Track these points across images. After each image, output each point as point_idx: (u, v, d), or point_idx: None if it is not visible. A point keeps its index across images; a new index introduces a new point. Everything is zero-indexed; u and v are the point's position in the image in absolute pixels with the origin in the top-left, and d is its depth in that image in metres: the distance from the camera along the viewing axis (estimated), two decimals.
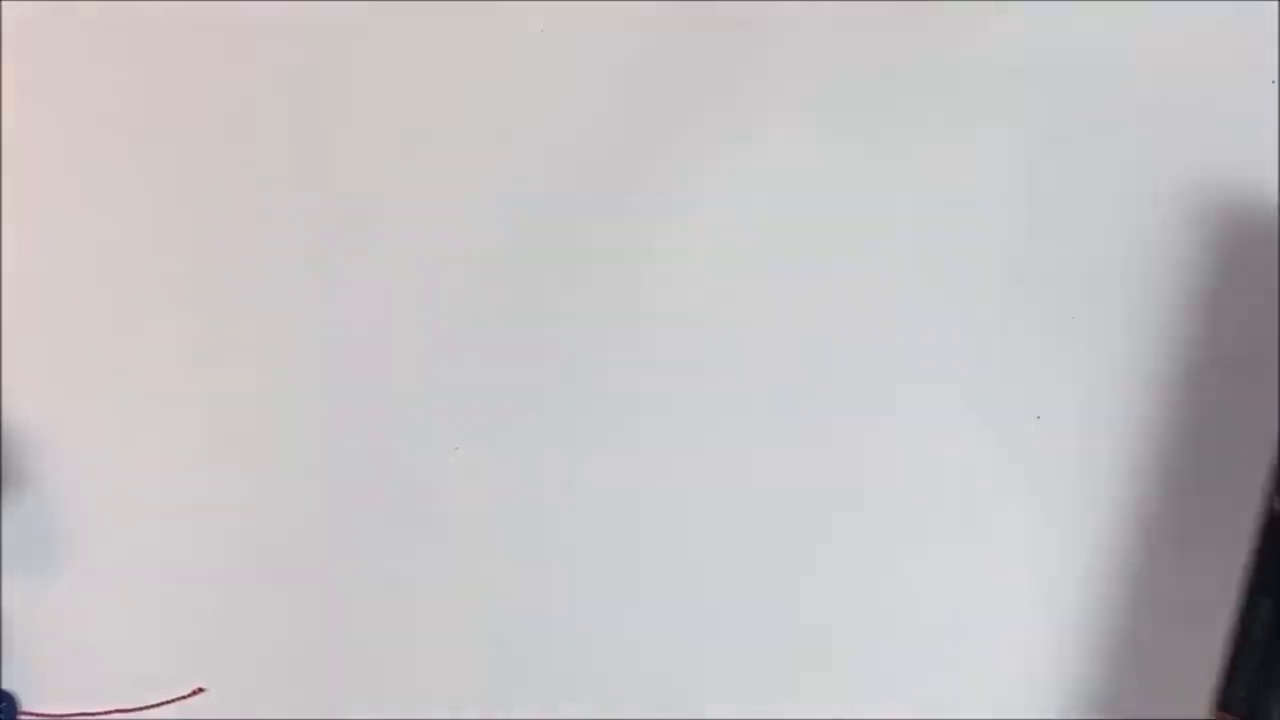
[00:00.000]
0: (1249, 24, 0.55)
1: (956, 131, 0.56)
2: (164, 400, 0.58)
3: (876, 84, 0.57)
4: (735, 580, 0.55)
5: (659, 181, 0.57)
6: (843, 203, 0.56)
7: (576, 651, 0.55)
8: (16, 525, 0.58)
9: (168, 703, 0.56)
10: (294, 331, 0.58)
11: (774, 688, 0.55)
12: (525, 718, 0.54)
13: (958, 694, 0.53)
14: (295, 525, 0.57)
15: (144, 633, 0.56)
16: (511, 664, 0.55)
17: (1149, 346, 0.54)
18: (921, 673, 0.54)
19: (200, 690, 0.55)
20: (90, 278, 0.60)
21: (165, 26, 0.61)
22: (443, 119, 0.59)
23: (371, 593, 0.56)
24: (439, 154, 0.59)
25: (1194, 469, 0.53)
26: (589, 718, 0.54)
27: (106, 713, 0.56)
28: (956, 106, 0.56)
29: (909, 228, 0.56)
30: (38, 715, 0.56)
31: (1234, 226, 0.54)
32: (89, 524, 0.58)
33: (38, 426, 0.59)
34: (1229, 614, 0.48)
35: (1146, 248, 0.55)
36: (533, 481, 0.56)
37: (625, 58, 0.58)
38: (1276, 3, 0.56)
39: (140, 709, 0.56)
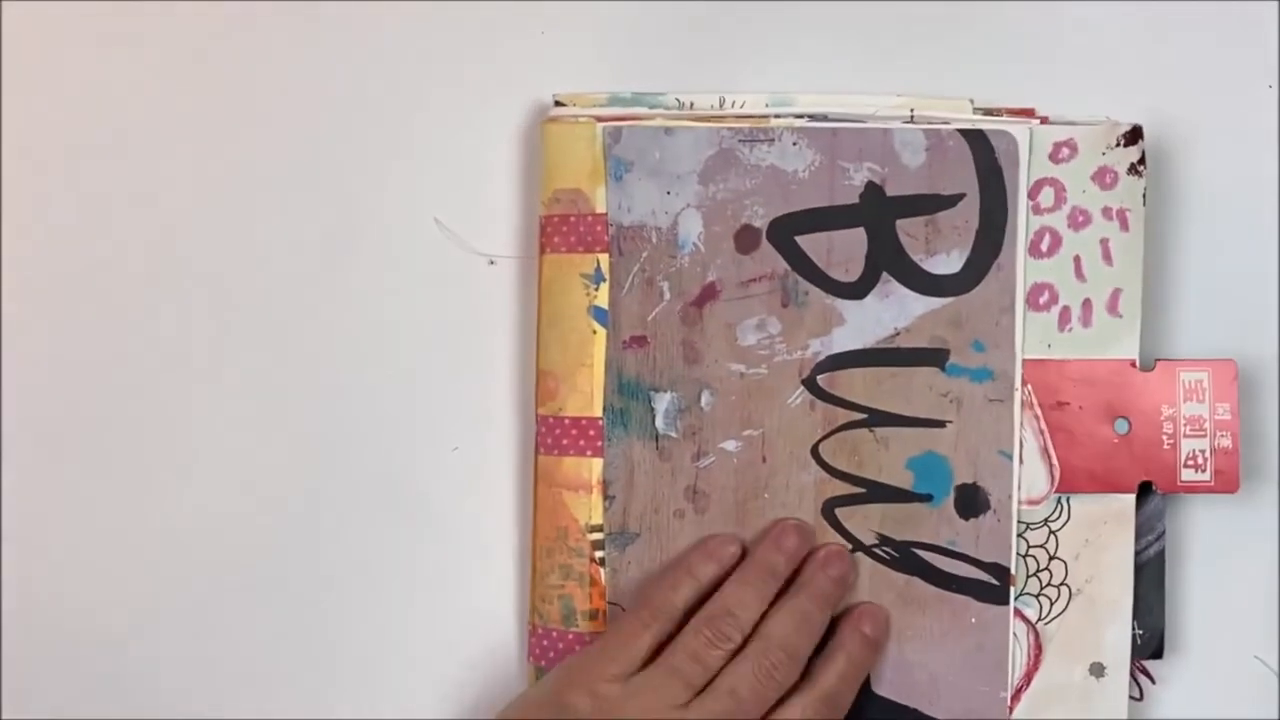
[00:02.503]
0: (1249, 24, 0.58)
1: None
2: (164, 398, 0.60)
3: None
4: None
5: None
6: None
7: None
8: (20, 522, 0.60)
9: None
10: (294, 331, 0.60)
11: None
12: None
13: None
14: (294, 524, 0.60)
15: (143, 632, 0.60)
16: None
17: None
18: None
19: None
20: (89, 277, 0.60)
21: (164, 27, 0.60)
22: (440, 118, 0.60)
23: (370, 592, 0.60)
24: (440, 153, 0.60)
25: None
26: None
27: None
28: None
29: None
30: None
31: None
32: (87, 522, 0.60)
33: (35, 426, 0.60)
34: None
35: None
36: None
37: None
38: (1276, 2, 0.58)
39: None
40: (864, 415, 0.56)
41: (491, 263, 0.59)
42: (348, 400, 0.60)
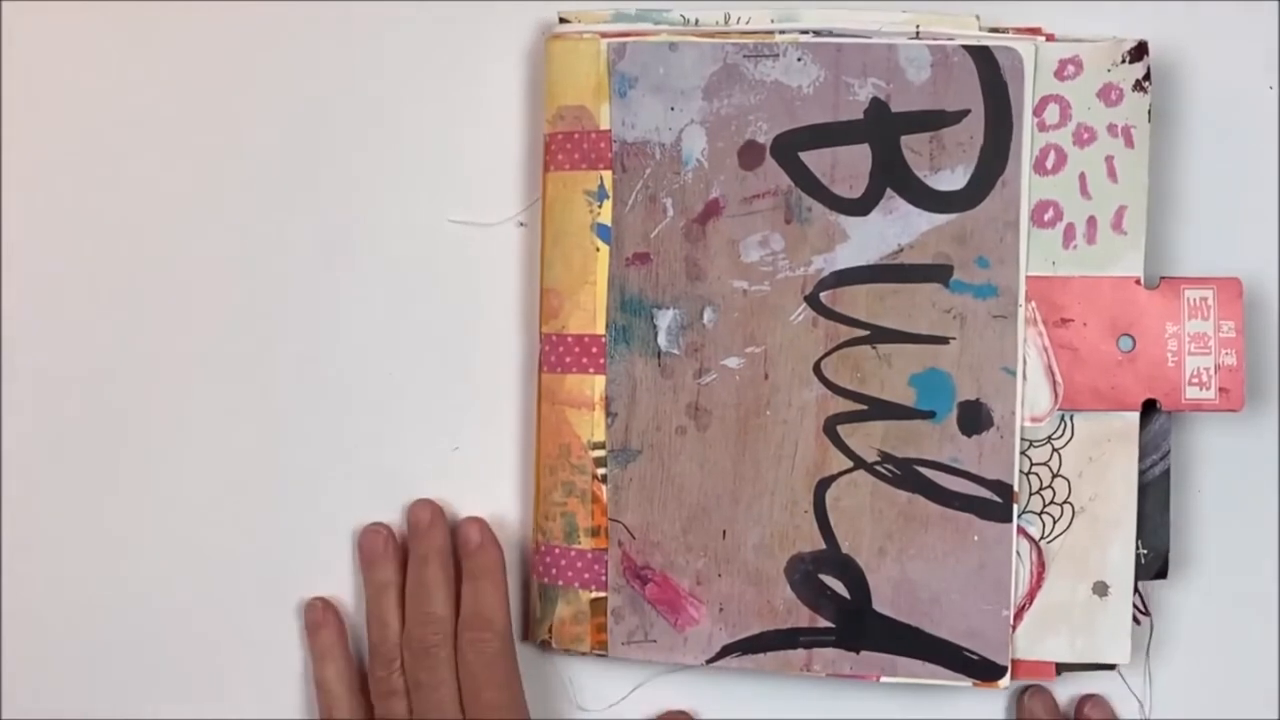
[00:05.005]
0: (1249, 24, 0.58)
1: None
2: (164, 397, 0.60)
3: None
4: None
5: None
6: None
7: None
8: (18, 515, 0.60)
9: None
10: (294, 330, 0.60)
11: None
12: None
13: None
14: (294, 523, 0.60)
15: (143, 632, 0.60)
16: None
17: None
18: None
19: None
20: (89, 277, 0.60)
21: (164, 27, 0.60)
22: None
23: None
24: (441, 152, 0.60)
25: None
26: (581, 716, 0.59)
27: None
28: None
29: None
30: None
31: None
32: (87, 522, 0.60)
33: (35, 426, 0.60)
34: None
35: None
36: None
37: None
38: (1276, 2, 0.58)
39: None
40: (866, 332, 0.56)
41: (521, 224, 0.59)
42: (344, 387, 0.60)
